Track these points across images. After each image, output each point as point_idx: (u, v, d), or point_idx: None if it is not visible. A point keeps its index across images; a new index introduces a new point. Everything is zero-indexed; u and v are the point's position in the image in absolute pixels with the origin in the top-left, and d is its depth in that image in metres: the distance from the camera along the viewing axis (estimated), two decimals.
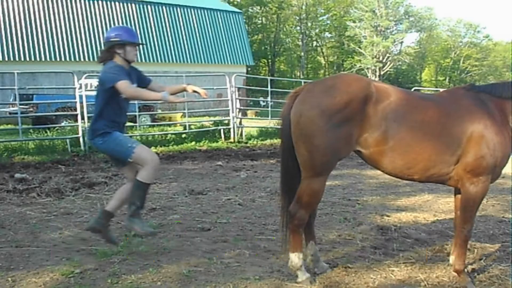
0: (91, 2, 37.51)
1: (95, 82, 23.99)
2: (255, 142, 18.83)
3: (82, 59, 35.84)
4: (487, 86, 5.51)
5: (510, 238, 7.08)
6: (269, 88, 20.97)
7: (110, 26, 37.49)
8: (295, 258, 5.30)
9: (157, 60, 39.60)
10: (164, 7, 41.24)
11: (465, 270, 5.54)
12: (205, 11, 43.70)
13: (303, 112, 4.96)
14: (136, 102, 18.41)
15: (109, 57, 5.87)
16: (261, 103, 37.81)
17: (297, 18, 74.32)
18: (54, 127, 17.74)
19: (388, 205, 9.04)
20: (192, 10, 42.89)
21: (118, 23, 38.01)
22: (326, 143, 4.88)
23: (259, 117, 28.15)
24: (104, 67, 5.84)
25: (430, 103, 5.20)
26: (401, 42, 72.02)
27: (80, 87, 16.18)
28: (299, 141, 5.02)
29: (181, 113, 23.24)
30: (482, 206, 8.55)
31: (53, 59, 34.27)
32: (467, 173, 5.12)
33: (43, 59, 33.88)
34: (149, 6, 40.37)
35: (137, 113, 18.03)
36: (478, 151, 5.03)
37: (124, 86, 5.54)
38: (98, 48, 36.60)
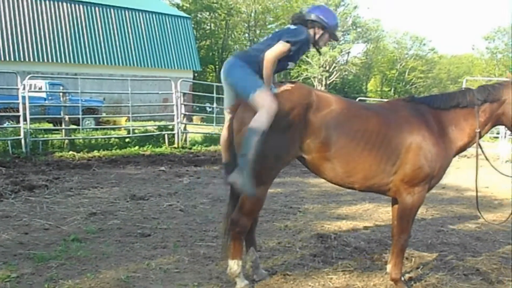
0: (38, 2, 36.96)
1: (39, 83, 23.66)
2: (199, 148, 18.83)
3: (26, 59, 35.31)
4: (426, 98, 5.64)
5: (448, 248, 7.27)
6: (215, 94, 20.98)
7: (56, 27, 37.09)
8: (234, 265, 5.31)
9: (103, 63, 39.24)
10: (112, 10, 40.91)
11: (402, 278, 5.63)
12: (153, 15, 43.51)
13: (245, 119, 4.99)
14: (80, 104, 18.22)
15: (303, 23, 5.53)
16: (207, 109, 37.74)
17: (246, 25, 74.37)
18: None
19: (329, 214, 9.14)
20: (140, 13, 42.66)
21: (65, 24, 37.62)
22: (268, 151, 4.94)
23: (204, 123, 28.10)
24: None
25: (371, 113, 5.30)
26: (348, 53, 72.67)
27: (24, 88, 15.90)
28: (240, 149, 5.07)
29: (126, 117, 23.05)
30: (421, 215, 8.77)
31: None
32: (405, 183, 5.23)
33: None
34: (96, 8, 39.99)
35: (80, 116, 17.80)
36: (416, 162, 5.15)
37: (278, 51, 5.23)
38: (44, 49, 36.15)
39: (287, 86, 5.17)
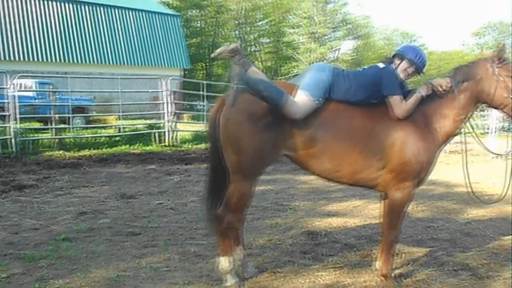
0: (27, 0, 36.79)
1: (29, 82, 23.55)
2: (189, 146, 18.84)
3: (16, 59, 35.09)
4: (410, 92, 5.66)
5: (438, 243, 7.30)
6: (204, 92, 20.97)
7: (46, 25, 36.94)
8: (224, 262, 5.32)
9: (93, 61, 39.11)
10: (101, 8, 40.76)
11: (392, 274, 5.65)
12: (143, 13, 43.36)
13: (231, 115, 5.01)
14: (69, 103, 18.14)
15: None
16: (198, 106, 37.68)
17: (236, 22, 74.20)
18: None
19: (319, 210, 9.15)
20: (129, 11, 42.51)
21: (55, 23, 37.45)
22: (253, 147, 4.95)
23: (194, 121, 28.08)
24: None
25: (356, 109, 5.28)
26: (338, 49, 72.62)
27: (13, 87, 15.84)
28: (227, 144, 5.07)
29: (115, 116, 23.02)
30: (411, 211, 8.79)
31: None
32: (392, 178, 5.23)
33: None
34: (86, 7, 39.83)
35: (70, 115, 17.75)
36: (402, 156, 5.14)
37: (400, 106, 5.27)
38: (33, 48, 35.98)
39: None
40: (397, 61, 5.53)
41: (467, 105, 5.45)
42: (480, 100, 5.52)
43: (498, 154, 7.77)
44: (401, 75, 5.47)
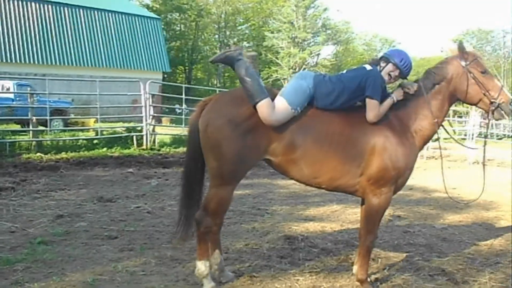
0: (5, 1, 36.54)
1: (7, 83, 23.36)
2: (168, 150, 18.76)
3: None
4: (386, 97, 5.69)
5: (414, 249, 7.34)
6: (183, 96, 20.93)
7: (25, 26, 36.74)
8: (201, 266, 5.32)
9: (72, 64, 38.94)
10: (81, 10, 40.64)
11: (369, 279, 5.68)
12: (123, 15, 43.29)
13: (210, 121, 5.02)
14: (47, 105, 18.03)
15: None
16: (177, 110, 37.62)
17: (216, 26, 74.33)
18: None
19: (296, 215, 9.15)
20: (109, 14, 42.44)
21: (34, 24, 37.24)
22: (233, 152, 4.95)
23: (173, 125, 28.03)
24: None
25: (335, 114, 5.29)
26: (318, 54, 72.85)
27: None
28: (207, 149, 5.09)
29: (94, 119, 22.92)
30: (389, 216, 8.83)
31: None
32: (370, 184, 5.26)
33: None
34: (66, 8, 39.70)
35: (48, 117, 17.63)
36: (380, 163, 5.17)
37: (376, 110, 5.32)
38: (12, 49, 35.78)
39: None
40: (382, 64, 5.57)
41: (442, 107, 5.52)
42: (455, 99, 5.59)
43: (474, 148, 7.83)
44: (385, 78, 5.51)
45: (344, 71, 5.65)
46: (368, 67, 5.53)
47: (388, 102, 5.36)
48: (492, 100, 5.32)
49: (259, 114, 4.97)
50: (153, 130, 19.47)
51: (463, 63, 5.41)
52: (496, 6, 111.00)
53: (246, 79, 5.07)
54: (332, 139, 5.17)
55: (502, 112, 5.37)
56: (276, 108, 5.00)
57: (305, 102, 5.19)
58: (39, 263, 5.99)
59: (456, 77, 5.43)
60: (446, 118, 5.66)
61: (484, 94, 5.34)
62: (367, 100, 5.28)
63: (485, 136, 11.64)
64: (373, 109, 5.25)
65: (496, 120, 5.56)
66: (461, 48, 5.47)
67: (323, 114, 5.26)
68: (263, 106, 4.95)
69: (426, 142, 5.62)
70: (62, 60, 38.45)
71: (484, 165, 6.13)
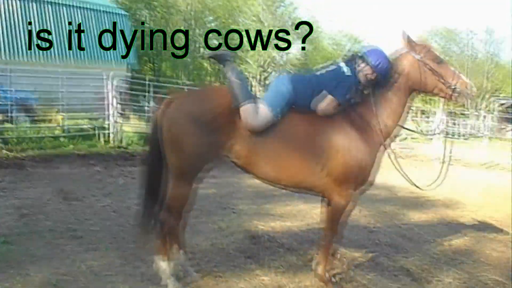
0: None
1: None
2: (135, 147, 18.64)
3: None
4: None
5: (379, 248, 7.40)
6: (151, 94, 20.83)
7: None
8: (163, 265, 5.36)
9: (38, 59, 38.44)
10: (48, 5, 40.17)
11: (333, 279, 5.74)
12: (91, 11, 42.89)
13: (174, 118, 5.06)
14: (12, 102, 17.78)
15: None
16: (145, 107, 37.38)
17: (185, 24, 74.08)
18: None
19: (263, 214, 9.19)
20: (77, 9, 42.00)
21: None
22: (195, 151, 5.01)
23: (141, 122, 27.87)
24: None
25: (296, 114, 5.33)
26: (287, 53, 73.00)
27: None
28: (169, 147, 5.11)
29: (61, 116, 22.64)
30: (354, 216, 8.89)
31: None
32: (331, 182, 5.30)
33: None
34: (33, 3, 39.19)
35: (13, 114, 17.37)
36: (341, 161, 5.21)
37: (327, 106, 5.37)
38: None
39: (216, 88, 5.27)
40: (360, 63, 5.50)
41: (402, 101, 5.53)
42: (414, 90, 5.61)
43: (432, 134, 7.79)
44: (361, 78, 5.49)
45: (323, 71, 5.59)
46: (343, 66, 5.51)
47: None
48: (452, 87, 5.36)
49: (241, 117, 5.02)
50: (120, 128, 19.31)
51: (417, 57, 5.45)
52: (459, 5, 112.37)
53: (234, 80, 5.13)
54: (294, 138, 5.22)
55: (463, 96, 5.42)
56: (258, 113, 5.04)
57: (285, 107, 5.22)
58: (2, 262, 5.91)
59: (412, 70, 5.45)
60: (413, 118, 5.71)
61: (443, 83, 5.39)
62: (329, 95, 5.31)
63: (447, 134, 11.81)
64: (326, 104, 5.31)
65: (460, 103, 5.60)
66: (409, 40, 5.51)
67: (286, 114, 5.28)
68: (247, 110, 5.01)
69: (389, 137, 5.63)
70: (28, 55, 37.96)
71: (443, 162, 6.17)
